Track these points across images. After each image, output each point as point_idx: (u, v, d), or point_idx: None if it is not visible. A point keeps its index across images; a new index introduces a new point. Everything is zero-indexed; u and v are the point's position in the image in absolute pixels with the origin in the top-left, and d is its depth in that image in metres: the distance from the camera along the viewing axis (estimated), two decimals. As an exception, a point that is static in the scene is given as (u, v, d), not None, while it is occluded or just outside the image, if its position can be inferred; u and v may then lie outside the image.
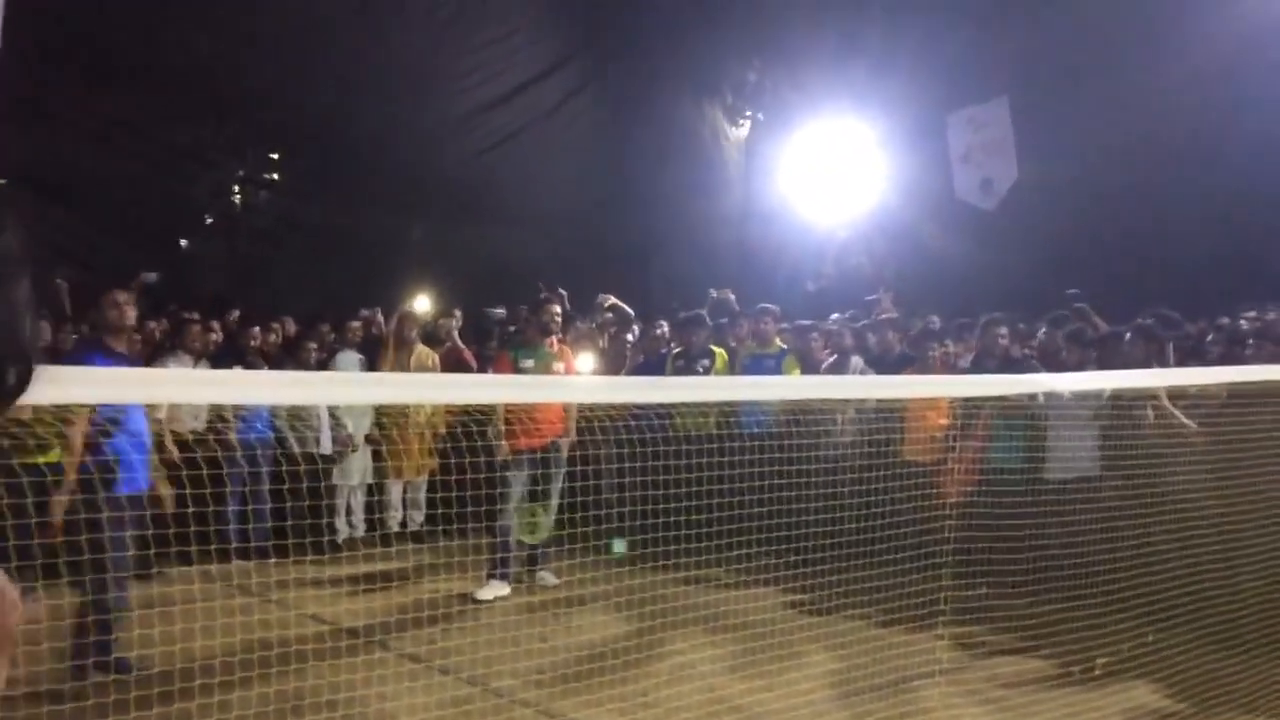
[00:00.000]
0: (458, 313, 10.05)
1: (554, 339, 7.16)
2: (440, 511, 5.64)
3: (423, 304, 10.30)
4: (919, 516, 5.55)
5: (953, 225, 12.61)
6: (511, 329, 9.59)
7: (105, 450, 4.72)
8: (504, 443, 6.61)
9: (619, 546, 6.99)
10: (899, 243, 13.47)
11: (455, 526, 6.42)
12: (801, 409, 5.74)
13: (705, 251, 14.51)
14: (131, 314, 5.14)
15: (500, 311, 10.93)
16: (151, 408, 5.36)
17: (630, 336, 9.44)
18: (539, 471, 6.78)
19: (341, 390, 3.85)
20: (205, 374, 4.15)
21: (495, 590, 6.66)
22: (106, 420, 4.74)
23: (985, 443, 6.57)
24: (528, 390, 4.17)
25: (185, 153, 12.31)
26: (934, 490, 5.86)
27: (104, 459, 4.72)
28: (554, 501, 6.78)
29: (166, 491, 5.59)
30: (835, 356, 8.34)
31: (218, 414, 6.94)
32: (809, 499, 5.66)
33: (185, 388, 3.10)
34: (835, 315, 9.39)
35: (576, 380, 5.87)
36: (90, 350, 5.07)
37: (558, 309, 7.13)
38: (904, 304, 10.40)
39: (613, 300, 10.15)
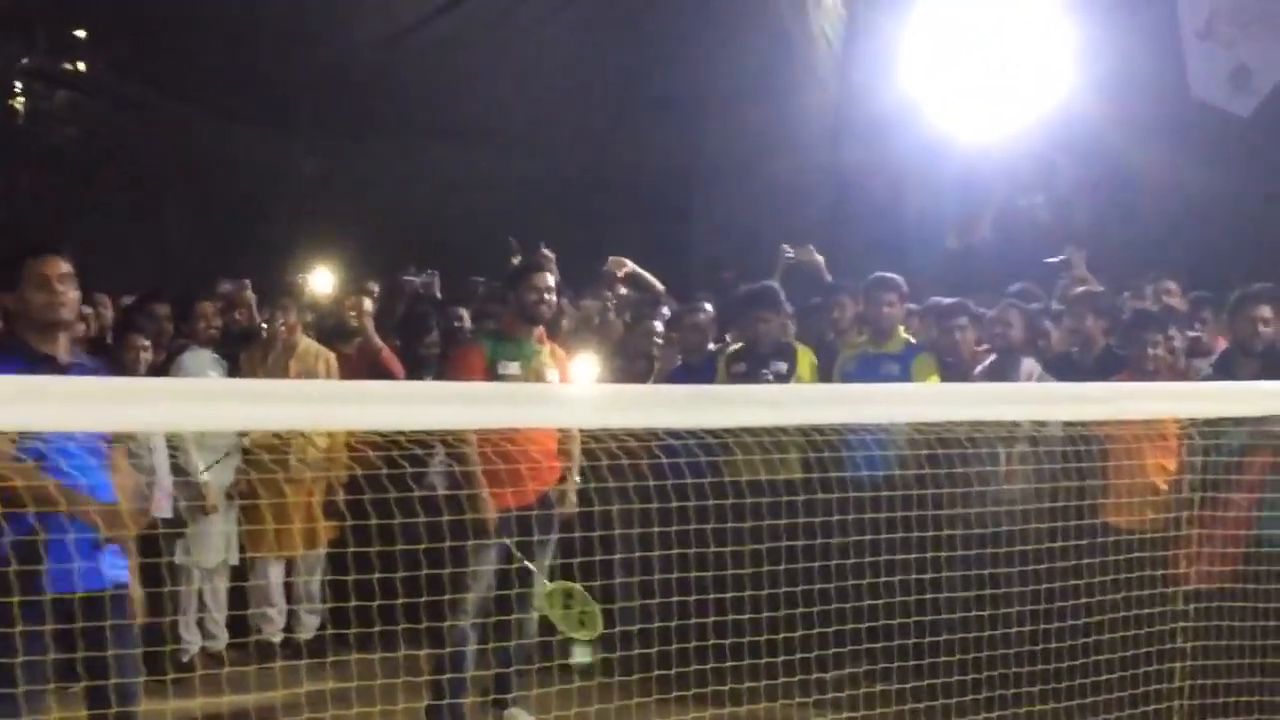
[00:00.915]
0: (373, 288, 10.06)
1: (543, 331, 7.19)
2: (348, 605, 5.62)
3: (318, 277, 10.32)
4: (1133, 615, 5.50)
5: (1185, 143, 12.54)
6: (461, 316, 9.63)
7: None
8: (484, 497, 6.68)
9: (580, 654, 6.95)
10: (1097, 172, 13.40)
11: (372, 631, 6.40)
12: (940, 440, 5.72)
13: (778, 188, 14.49)
14: (74, 299, 5.24)
15: (424, 279, 10.89)
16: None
17: (657, 324, 9.43)
18: (514, 542, 6.79)
19: (190, 409, 3.85)
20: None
21: None
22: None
23: (1250, 495, 6.52)
24: (498, 408, 4.16)
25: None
26: (1159, 575, 5.80)
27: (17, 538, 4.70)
28: (537, 589, 6.80)
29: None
30: (995, 357, 8.35)
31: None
32: (952, 588, 5.63)
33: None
34: (1017, 286, 9.37)
35: (566, 393, 5.83)
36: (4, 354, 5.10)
37: (549, 280, 7.19)
38: (1106, 271, 10.36)
39: (630, 267, 10.16)
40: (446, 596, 6.48)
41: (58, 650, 4.90)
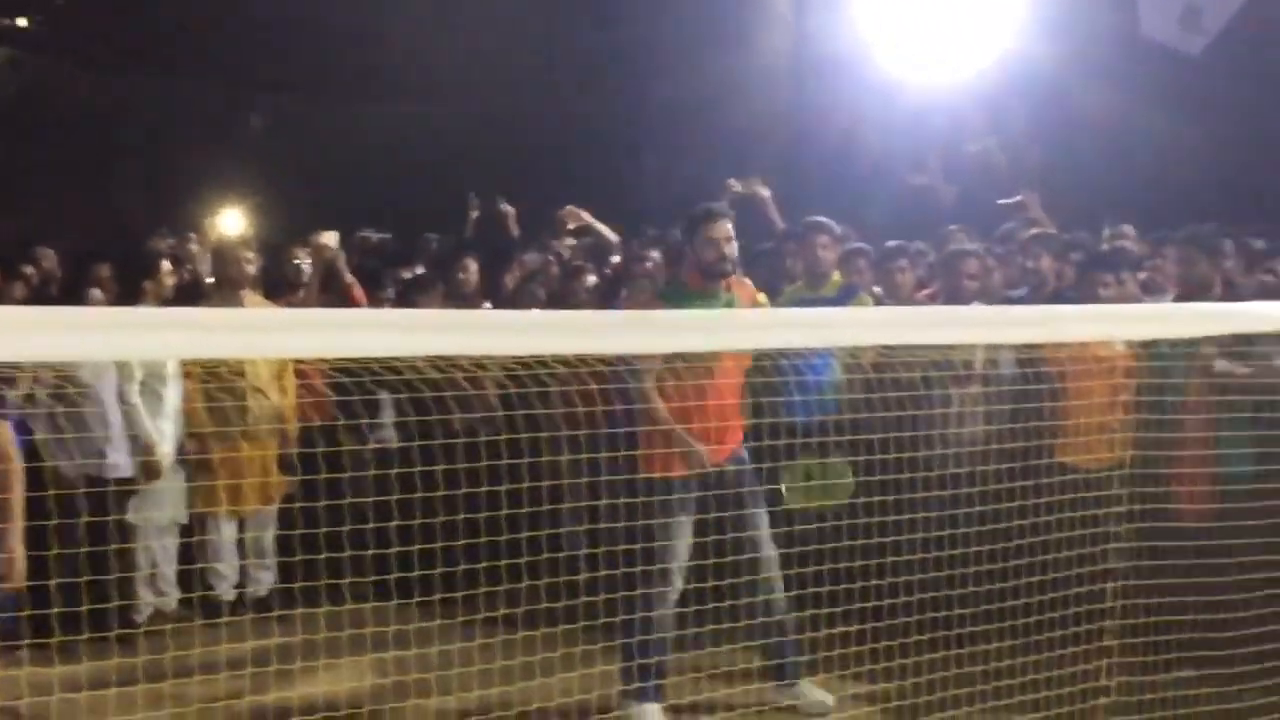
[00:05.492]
0: (327, 239, 10.06)
1: (732, 280, 6.83)
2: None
3: (256, 229, 10.27)
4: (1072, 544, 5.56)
5: (1135, 84, 12.56)
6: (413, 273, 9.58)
7: None
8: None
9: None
10: (1048, 114, 13.43)
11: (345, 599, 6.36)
12: (883, 376, 5.72)
13: (734, 132, 14.45)
14: None
15: (381, 236, 10.91)
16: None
17: (591, 279, 9.39)
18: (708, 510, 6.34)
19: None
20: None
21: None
22: None
23: (1209, 433, 6.53)
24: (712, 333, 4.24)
25: None
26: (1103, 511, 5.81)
27: None
28: (773, 575, 6.45)
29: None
30: (941, 300, 8.33)
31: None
32: (898, 532, 5.67)
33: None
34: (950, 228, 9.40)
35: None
36: None
37: (728, 228, 6.75)
38: (1059, 212, 10.37)
39: (584, 218, 10.16)
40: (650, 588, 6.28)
41: None
